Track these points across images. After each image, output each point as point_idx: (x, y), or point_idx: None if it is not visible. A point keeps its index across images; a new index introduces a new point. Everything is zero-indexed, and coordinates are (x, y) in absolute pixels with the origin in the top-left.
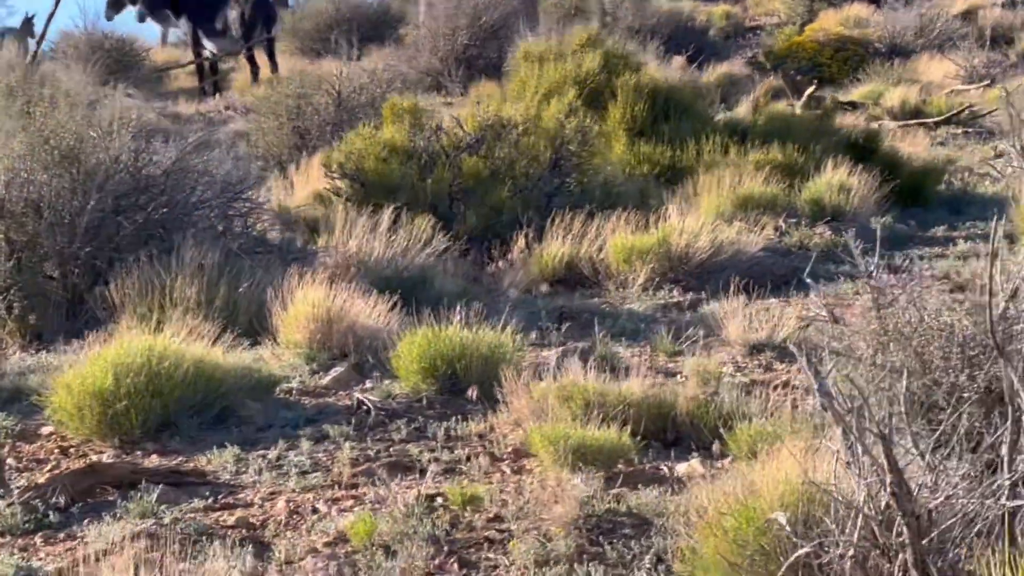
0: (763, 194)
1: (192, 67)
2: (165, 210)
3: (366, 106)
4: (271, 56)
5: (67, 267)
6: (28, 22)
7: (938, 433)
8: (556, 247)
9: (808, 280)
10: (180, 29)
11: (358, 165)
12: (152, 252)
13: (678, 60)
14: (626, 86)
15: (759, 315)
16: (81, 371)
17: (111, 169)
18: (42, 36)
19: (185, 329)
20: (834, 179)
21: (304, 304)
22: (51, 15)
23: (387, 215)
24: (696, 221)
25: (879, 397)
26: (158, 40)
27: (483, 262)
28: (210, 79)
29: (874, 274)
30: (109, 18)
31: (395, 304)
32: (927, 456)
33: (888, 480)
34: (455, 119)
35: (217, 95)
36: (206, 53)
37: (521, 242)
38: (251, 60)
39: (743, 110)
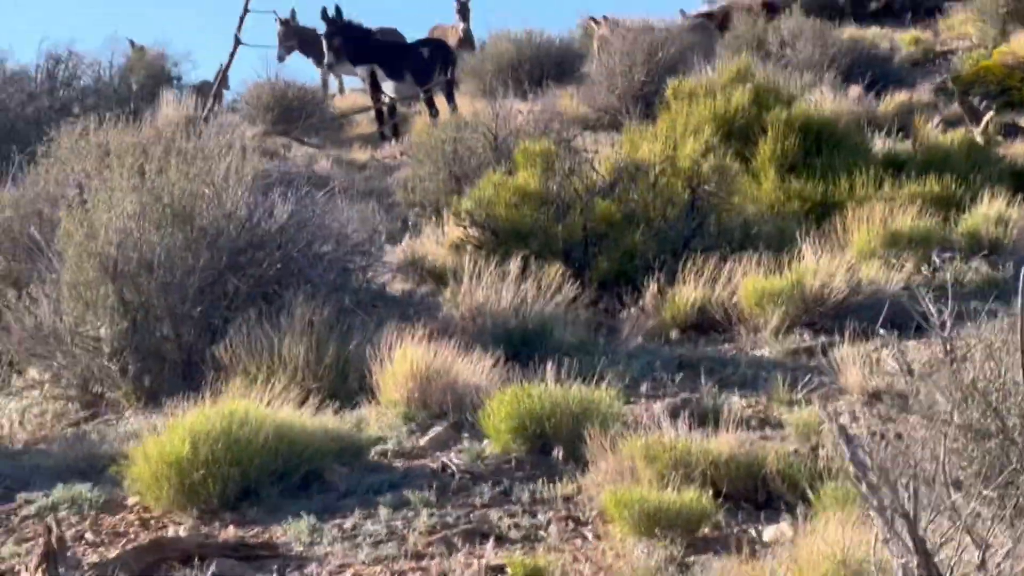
0: (915, 229)
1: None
2: (279, 266)
3: None
4: (450, 98)
5: (180, 327)
6: (222, 74)
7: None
8: (688, 292)
9: (881, 331)
10: (358, 75)
11: (488, 212)
12: (261, 309)
13: (855, 90)
14: (776, 120)
15: (888, 360)
16: (160, 439)
17: (224, 226)
18: (218, 89)
19: (283, 391)
20: (992, 210)
21: (403, 362)
22: (226, 67)
23: (515, 264)
24: (833, 260)
25: (943, 462)
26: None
27: (614, 309)
28: (389, 124)
29: (947, 325)
30: (280, 59)
31: (504, 358)
32: (971, 532)
33: (915, 563)
34: (588, 162)
35: (395, 140)
36: (384, 97)
37: (653, 287)
38: (430, 103)
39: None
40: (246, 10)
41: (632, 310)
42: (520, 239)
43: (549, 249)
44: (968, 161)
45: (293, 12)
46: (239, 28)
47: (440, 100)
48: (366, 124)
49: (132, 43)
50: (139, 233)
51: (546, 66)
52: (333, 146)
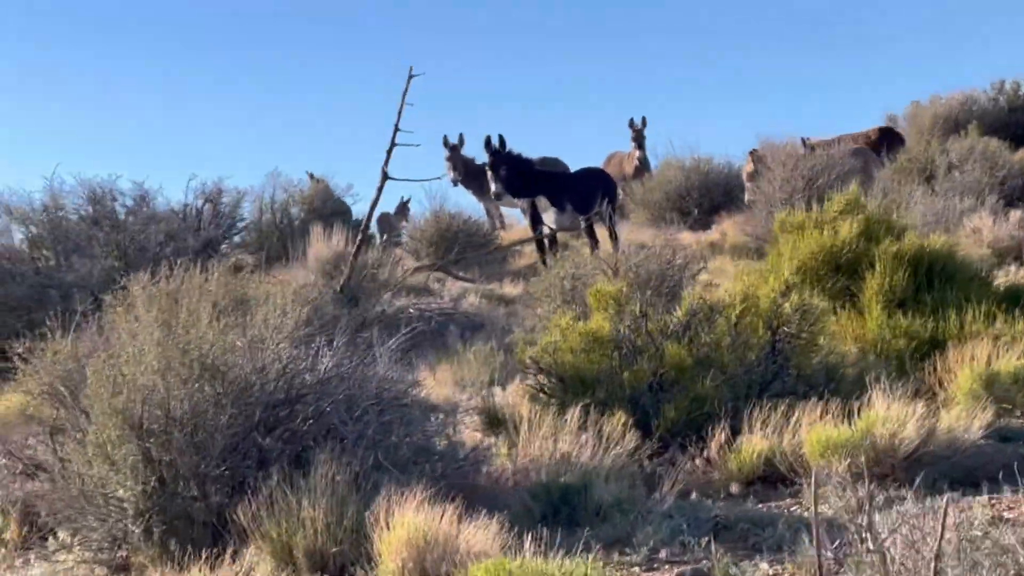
0: (1021, 368)
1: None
2: (311, 421)
3: (644, 284)
4: (611, 229)
5: (208, 486)
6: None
7: None
8: (756, 441)
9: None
10: (519, 206)
11: (556, 358)
12: (284, 468)
13: (1016, 214)
14: (884, 254)
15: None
16: None
17: (254, 381)
18: (366, 225)
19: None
20: None
21: (400, 528)
22: (375, 202)
23: (573, 413)
24: (907, 406)
25: None
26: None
27: (677, 460)
28: (550, 254)
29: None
30: (455, 183)
31: (541, 517)
32: None
33: None
34: (662, 303)
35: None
36: (545, 228)
37: (719, 437)
38: (591, 234)
39: None
40: (393, 144)
41: (697, 461)
42: (586, 386)
43: (616, 397)
44: None
45: (461, 137)
46: (386, 162)
47: (603, 230)
48: (532, 255)
49: (311, 176)
50: (165, 389)
51: (714, 194)
52: (489, 280)
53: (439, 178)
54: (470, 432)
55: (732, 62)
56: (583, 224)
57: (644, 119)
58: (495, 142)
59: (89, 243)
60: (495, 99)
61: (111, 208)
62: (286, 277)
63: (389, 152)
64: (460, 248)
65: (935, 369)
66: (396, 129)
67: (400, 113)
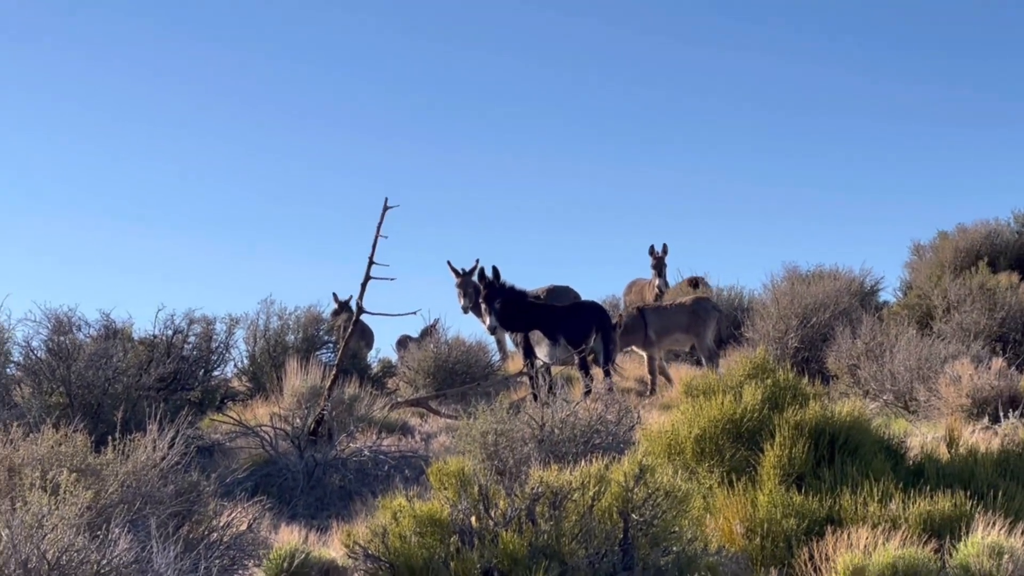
0: (901, 559)
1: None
2: None
3: (568, 442)
4: (606, 363)
5: None
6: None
7: None
8: None
9: None
10: (512, 341)
11: (384, 543)
12: None
13: (999, 362)
14: (784, 424)
15: None
16: None
17: None
18: (340, 359)
19: None
20: (990, 539)
21: None
22: (348, 336)
23: None
24: None
25: None
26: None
27: None
28: (543, 388)
29: None
30: (464, 311)
31: None
32: None
33: None
34: (505, 485)
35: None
36: (537, 362)
37: None
38: (584, 368)
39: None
40: (368, 277)
41: None
42: None
43: None
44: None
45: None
46: (361, 296)
47: (597, 368)
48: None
49: (336, 297)
50: None
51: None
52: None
53: (414, 312)
54: None
55: (752, 190)
56: (576, 358)
57: (665, 246)
58: (489, 274)
59: (36, 378)
60: (507, 221)
61: (70, 340)
62: (263, 410)
63: (363, 286)
64: (454, 379)
65: (811, 557)
66: (371, 262)
67: (375, 245)
